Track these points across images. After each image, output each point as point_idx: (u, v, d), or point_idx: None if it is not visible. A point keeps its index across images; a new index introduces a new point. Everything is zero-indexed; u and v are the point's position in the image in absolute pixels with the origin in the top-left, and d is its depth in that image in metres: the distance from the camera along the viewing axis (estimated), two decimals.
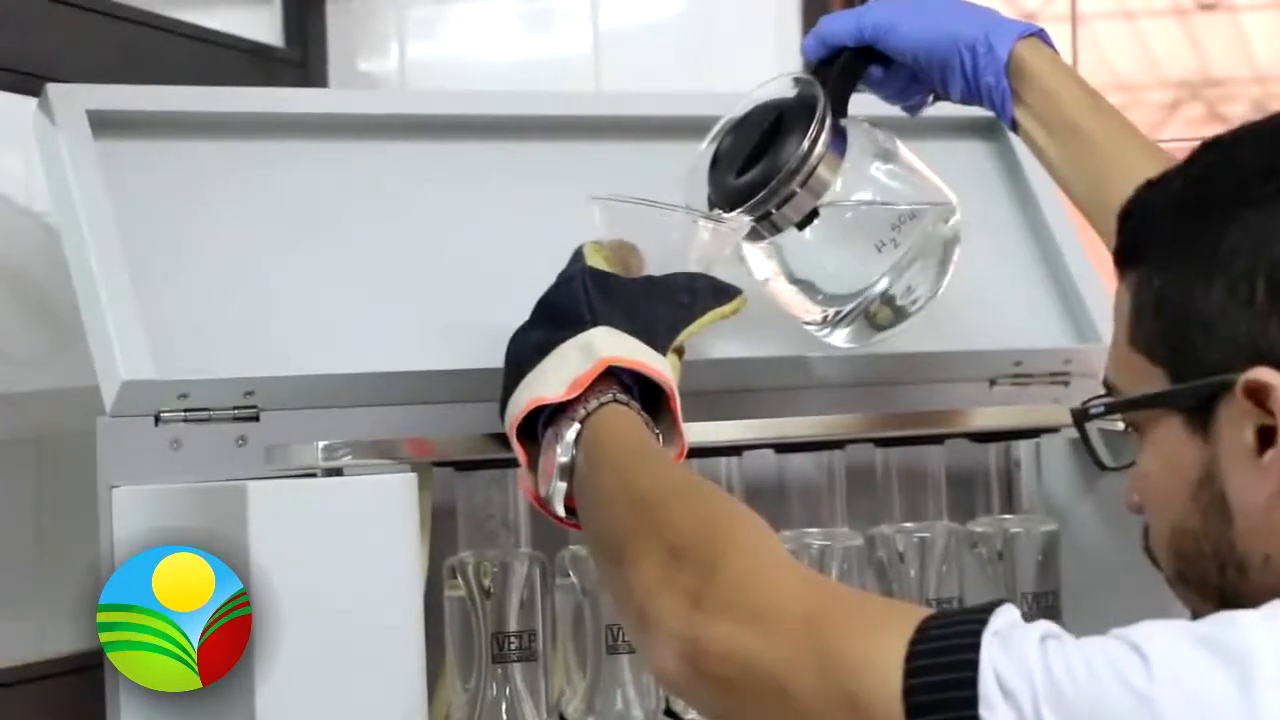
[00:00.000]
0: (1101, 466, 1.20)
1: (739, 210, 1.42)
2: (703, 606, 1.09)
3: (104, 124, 1.42)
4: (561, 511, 1.27)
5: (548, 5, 2.24)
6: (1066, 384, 1.64)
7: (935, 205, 1.48)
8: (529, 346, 1.30)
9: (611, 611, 1.40)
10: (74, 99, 1.42)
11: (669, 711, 1.44)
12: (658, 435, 1.28)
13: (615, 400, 1.26)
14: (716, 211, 1.43)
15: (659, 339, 1.31)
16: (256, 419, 1.38)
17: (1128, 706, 0.96)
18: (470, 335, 1.43)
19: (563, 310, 1.30)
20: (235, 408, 1.37)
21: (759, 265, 1.47)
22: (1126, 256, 1.12)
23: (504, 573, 1.38)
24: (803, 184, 1.41)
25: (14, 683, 1.51)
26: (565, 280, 1.33)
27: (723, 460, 1.45)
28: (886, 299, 1.47)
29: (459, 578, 1.38)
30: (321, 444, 1.29)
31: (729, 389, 1.50)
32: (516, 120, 1.56)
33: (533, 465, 1.28)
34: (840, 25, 1.45)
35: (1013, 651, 0.98)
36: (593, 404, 1.26)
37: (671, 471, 1.23)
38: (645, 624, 1.12)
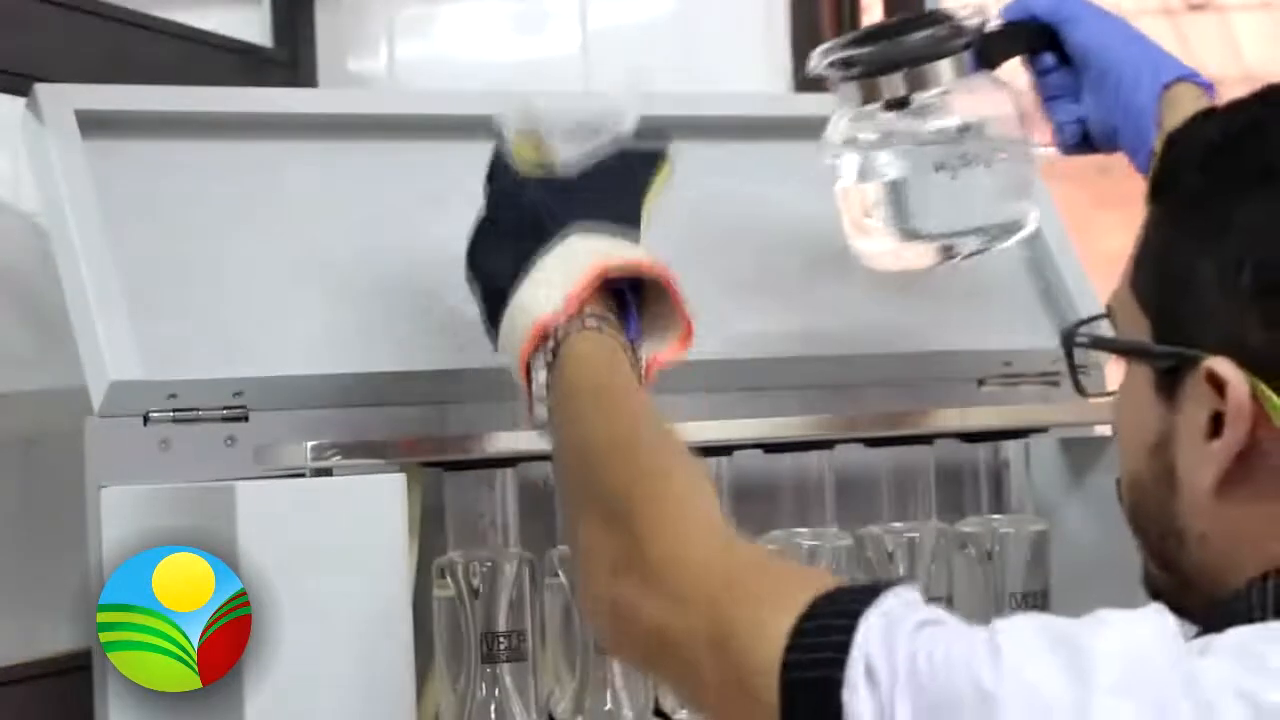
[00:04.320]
0: (1081, 392, 1.20)
1: (859, 49, 1.43)
2: (621, 573, 1.09)
3: (93, 124, 1.42)
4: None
5: (537, 6, 2.24)
6: (1056, 384, 1.64)
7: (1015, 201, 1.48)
8: (503, 264, 1.27)
9: None
10: (62, 99, 1.42)
11: (658, 711, 1.44)
12: (635, 348, 1.25)
13: (585, 327, 1.23)
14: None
15: (630, 226, 1.29)
16: (245, 419, 1.38)
17: (971, 703, 0.94)
18: (460, 335, 1.43)
19: (522, 223, 1.28)
20: (224, 408, 1.37)
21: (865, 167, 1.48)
22: (1155, 187, 1.10)
23: (493, 573, 1.38)
24: (926, 58, 1.43)
25: (2, 683, 1.51)
26: (512, 193, 1.31)
27: (712, 460, 1.44)
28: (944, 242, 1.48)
29: (448, 578, 1.38)
30: (310, 444, 1.29)
31: (718, 389, 1.50)
32: None
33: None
34: None
35: (889, 635, 0.97)
36: (560, 332, 1.23)
37: (619, 418, 1.19)
38: (580, 582, 1.14)
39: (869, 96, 1.45)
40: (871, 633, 0.97)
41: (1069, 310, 1.65)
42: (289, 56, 2.15)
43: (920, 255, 1.49)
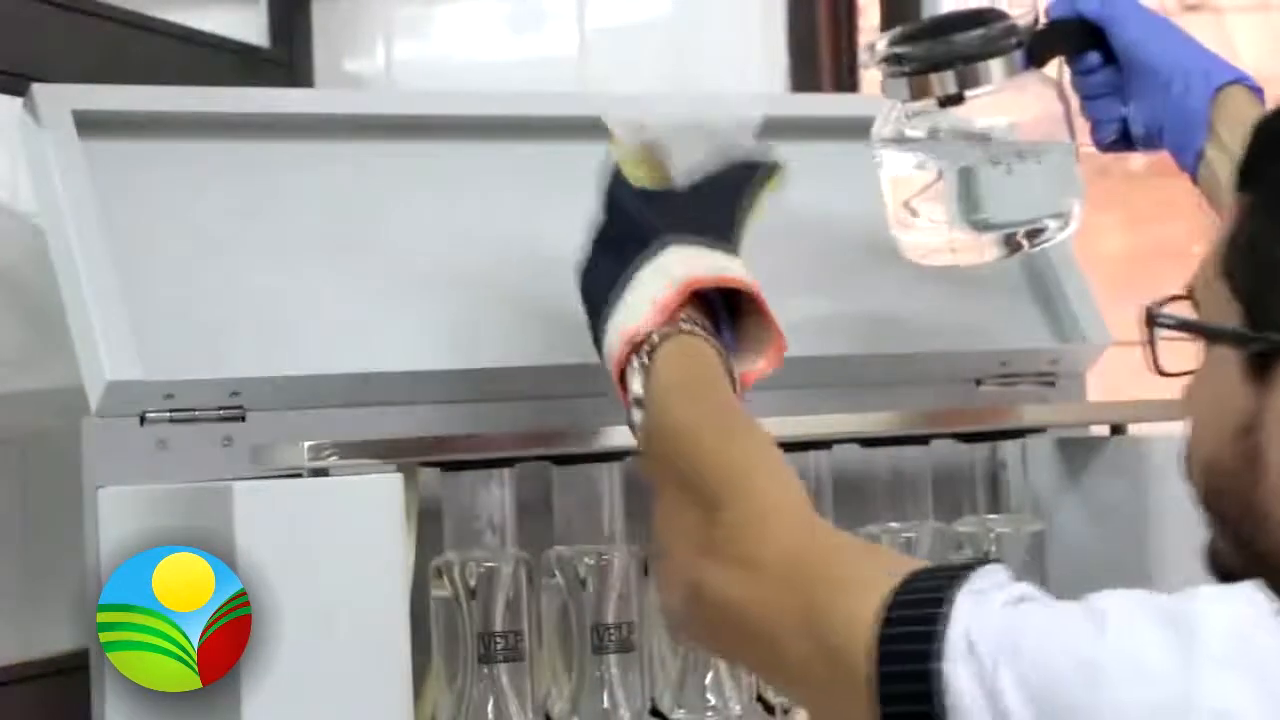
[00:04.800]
0: (1159, 371, 1.20)
1: (912, 46, 1.44)
2: (705, 551, 1.12)
3: (89, 124, 1.41)
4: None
5: (534, 5, 2.24)
6: (1052, 384, 1.64)
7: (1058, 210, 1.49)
8: (604, 281, 1.29)
9: (597, 612, 1.41)
10: (59, 99, 1.42)
11: (655, 711, 1.44)
12: (729, 350, 1.27)
13: (680, 331, 1.25)
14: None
15: (728, 238, 1.31)
16: (242, 419, 1.38)
17: (1071, 669, 0.96)
18: (457, 336, 1.43)
19: (626, 237, 1.30)
20: (221, 408, 1.37)
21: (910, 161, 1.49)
22: (1243, 175, 1.10)
23: (490, 573, 1.38)
24: (979, 57, 1.44)
25: (2, 683, 1.51)
26: (616, 206, 1.32)
27: None
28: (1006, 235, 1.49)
29: (445, 578, 1.38)
30: (307, 444, 1.29)
31: None
32: (503, 120, 1.56)
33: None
34: None
35: (984, 610, 0.98)
36: (655, 338, 1.25)
37: (709, 407, 1.22)
38: (662, 561, 1.16)
39: (920, 93, 1.46)
40: (965, 610, 0.98)
41: (1066, 311, 1.65)
42: (286, 56, 2.15)
43: (983, 248, 1.49)
